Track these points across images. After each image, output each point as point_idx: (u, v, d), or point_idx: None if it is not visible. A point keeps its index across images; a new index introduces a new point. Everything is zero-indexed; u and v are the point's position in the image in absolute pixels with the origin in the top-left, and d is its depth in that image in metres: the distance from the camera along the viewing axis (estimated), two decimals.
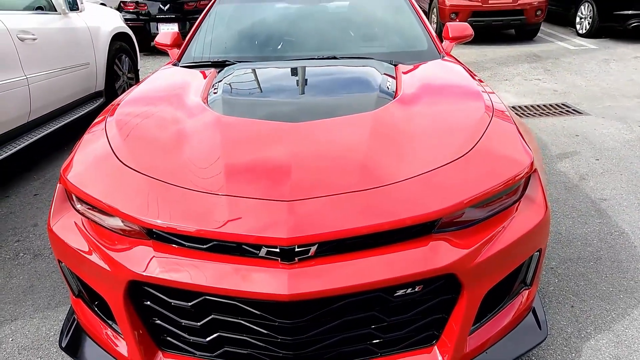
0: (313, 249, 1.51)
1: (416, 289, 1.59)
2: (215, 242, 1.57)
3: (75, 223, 1.81)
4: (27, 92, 3.87)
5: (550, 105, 5.38)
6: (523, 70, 6.95)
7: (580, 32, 8.90)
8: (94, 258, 1.68)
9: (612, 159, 3.90)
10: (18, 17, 3.93)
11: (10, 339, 2.21)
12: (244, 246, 1.55)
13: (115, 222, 1.71)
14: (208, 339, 1.66)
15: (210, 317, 1.62)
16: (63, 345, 1.91)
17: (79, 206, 1.82)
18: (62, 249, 1.80)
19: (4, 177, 3.97)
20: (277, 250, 1.50)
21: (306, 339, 1.58)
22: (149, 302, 1.67)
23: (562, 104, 5.39)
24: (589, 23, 8.62)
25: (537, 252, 1.80)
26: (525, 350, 1.81)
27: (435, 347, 1.69)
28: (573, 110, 5.18)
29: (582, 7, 8.78)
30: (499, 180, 1.69)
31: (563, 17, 9.70)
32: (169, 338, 1.72)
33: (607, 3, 8.19)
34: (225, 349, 1.67)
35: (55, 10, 4.52)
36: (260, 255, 1.53)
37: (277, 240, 1.49)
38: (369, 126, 1.93)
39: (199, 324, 1.64)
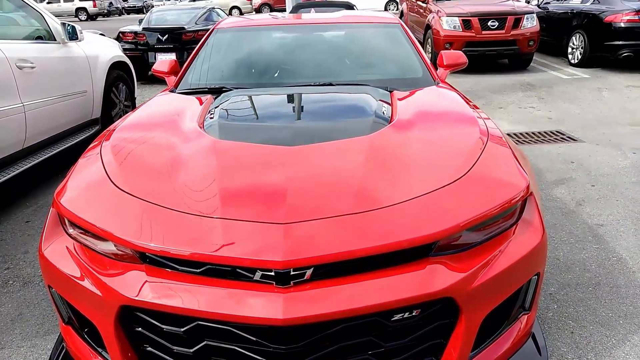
0: (309, 272, 1.49)
1: (413, 313, 1.56)
2: (209, 266, 1.54)
3: (67, 248, 1.78)
4: (23, 119, 3.88)
5: (545, 132, 5.42)
6: (517, 99, 7.03)
7: (572, 61, 9.06)
8: (85, 283, 1.65)
9: (607, 185, 3.91)
10: (18, 47, 3.97)
11: None
12: (238, 270, 1.52)
13: (108, 247, 1.68)
14: None
15: (203, 344, 1.58)
16: None
17: (71, 230, 1.80)
18: (53, 274, 1.76)
19: None
20: (272, 273, 1.48)
21: None
22: (140, 329, 1.63)
23: (557, 132, 5.43)
24: (580, 53, 8.78)
25: (535, 275, 1.77)
26: None
27: None
28: (568, 137, 5.22)
29: (574, 37, 8.96)
30: (495, 204, 1.68)
31: (555, 47, 9.89)
32: None
33: (598, 34, 8.36)
34: None
35: (55, 40, 4.58)
36: (255, 279, 1.51)
37: (272, 263, 1.46)
38: (364, 150, 1.93)
39: (191, 350, 1.60)
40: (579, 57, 8.82)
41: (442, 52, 3.50)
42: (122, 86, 5.72)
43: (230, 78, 3.13)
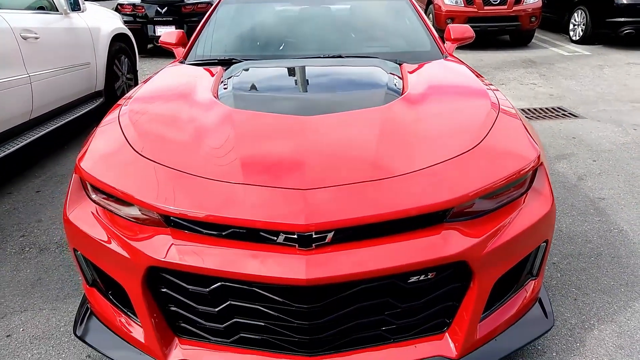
0: (330, 235, 1.55)
1: (429, 276, 1.63)
2: (233, 229, 1.60)
3: (92, 212, 1.83)
4: (29, 91, 3.88)
5: (546, 108, 5.46)
6: (519, 75, 7.05)
7: (573, 38, 9.04)
8: (112, 246, 1.70)
9: (608, 160, 3.98)
10: (21, 16, 3.95)
11: (21, 329, 2.21)
12: (261, 233, 1.58)
13: (132, 211, 1.73)
14: (224, 325, 1.69)
15: (227, 303, 1.65)
16: (78, 333, 1.93)
17: (94, 196, 1.85)
18: (79, 238, 1.82)
19: (6, 174, 3.97)
20: (295, 236, 1.54)
21: (322, 324, 1.61)
22: (166, 289, 1.70)
23: (558, 108, 5.47)
24: (582, 30, 8.76)
25: (543, 242, 1.84)
26: (533, 338, 1.85)
27: (447, 333, 1.73)
28: (569, 113, 5.27)
29: (576, 14, 8.92)
30: (507, 173, 1.74)
31: (557, 24, 9.85)
32: (185, 325, 1.75)
33: (600, 10, 8.33)
34: (241, 334, 1.70)
35: (57, 10, 4.54)
36: (277, 241, 1.57)
37: (295, 226, 1.52)
38: (379, 120, 1.97)
39: (215, 309, 1.67)
40: (581, 34, 8.79)
41: (450, 25, 3.51)
42: (124, 59, 5.69)
43: (239, 50, 3.14)
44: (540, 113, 5.30)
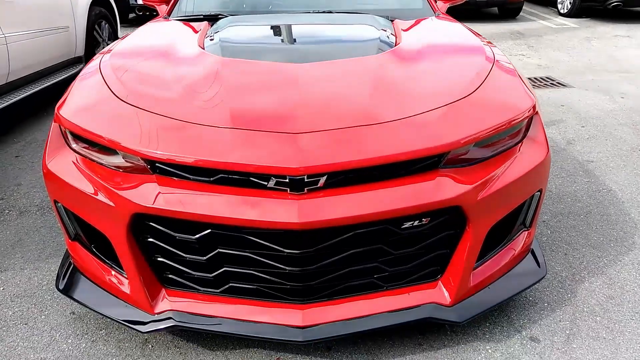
0: (322, 180, 1.50)
1: (423, 222, 1.59)
2: (222, 175, 1.54)
3: (73, 162, 1.75)
4: (5, 52, 3.73)
5: (535, 78, 5.44)
6: (507, 47, 7.00)
7: (561, 11, 9.01)
8: (95, 194, 1.63)
9: (597, 127, 3.98)
10: None
11: (1, 288, 2.14)
12: (252, 178, 1.52)
13: (115, 160, 1.66)
14: (213, 274, 1.64)
15: (216, 252, 1.60)
16: (60, 287, 1.87)
17: (74, 145, 1.77)
18: (59, 188, 1.74)
19: None
20: (287, 180, 1.49)
21: (314, 270, 1.57)
22: (152, 239, 1.64)
23: (547, 77, 5.46)
24: (570, 2, 8.73)
25: (538, 192, 1.82)
26: (526, 286, 1.84)
27: (440, 281, 1.71)
28: (557, 83, 5.25)
29: None
30: (502, 120, 1.70)
31: None
32: (172, 276, 1.70)
33: None
34: (231, 284, 1.66)
35: None
36: (268, 186, 1.51)
37: (287, 170, 1.47)
38: (371, 68, 1.91)
39: (204, 258, 1.62)
40: (569, 6, 8.76)
41: None
42: (104, 24, 5.51)
43: (226, 6, 3.03)
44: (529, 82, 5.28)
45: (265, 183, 1.51)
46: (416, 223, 1.59)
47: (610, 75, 5.49)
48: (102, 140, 1.63)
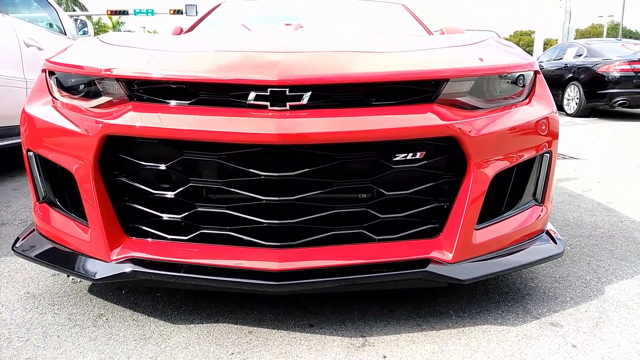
0: (306, 96, 1.38)
1: (418, 156, 1.43)
2: (200, 95, 1.44)
3: (52, 105, 1.67)
4: (25, 95, 3.89)
5: None
6: None
7: (568, 112, 9.25)
8: (66, 123, 1.54)
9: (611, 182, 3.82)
10: (28, 26, 4.08)
11: None
12: (231, 95, 1.41)
13: (94, 102, 1.58)
14: (183, 214, 1.46)
15: (188, 185, 1.44)
16: (16, 246, 1.68)
17: (57, 94, 1.70)
18: (33, 129, 1.65)
19: None
20: (267, 93, 1.37)
21: (293, 203, 1.39)
22: (120, 177, 1.50)
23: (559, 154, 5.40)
24: (576, 103, 8.99)
25: (546, 153, 1.66)
26: (541, 258, 1.60)
27: (440, 238, 1.49)
28: (569, 157, 5.19)
29: (569, 89, 9.22)
30: (501, 64, 1.61)
31: None
32: (138, 225, 1.52)
33: (592, 84, 8.61)
34: (202, 231, 1.46)
35: (65, 34, 4.70)
36: (248, 103, 1.39)
37: (266, 81, 1.37)
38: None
39: (174, 193, 1.45)
40: (575, 107, 9.01)
41: None
42: None
43: None
44: None
45: (245, 101, 1.40)
46: (410, 156, 1.42)
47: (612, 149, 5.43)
48: (82, 70, 1.58)
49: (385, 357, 1.36)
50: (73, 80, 1.63)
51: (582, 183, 3.76)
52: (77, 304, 1.68)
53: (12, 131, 3.81)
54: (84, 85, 1.61)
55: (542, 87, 1.74)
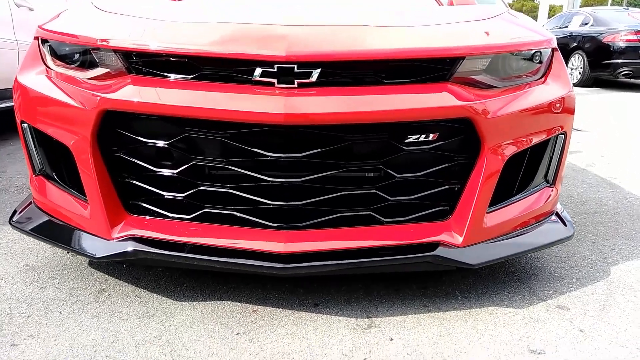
0: (315, 73, 1.32)
1: (430, 138, 1.38)
2: (203, 70, 1.36)
3: (46, 76, 1.60)
4: (16, 58, 3.77)
5: None
6: None
7: (572, 82, 9.13)
8: (63, 97, 1.46)
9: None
10: None
11: None
12: (235, 71, 1.34)
13: (90, 73, 1.50)
14: (186, 193, 1.42)
15: (190, 164, 1.39)
16: (14, 219, 1.64)
17: (50, 63, 1.62)
18: (27, 100, 1.58)
19: None
20: (274, 70, 1.30)
21: (301, 185, 1.34)
22: (119, 153, 1.44)
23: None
24: (580, 72, 8.86)
25: (561, 134, 1.61)
26: (551, 241, 1.58)
27: (450, 221, 1.46)
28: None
29: (573, 58, 9.06)
30: (517, 41, 1.54)
31: None
32: (139, 202, 1.48)
33: (597, 54, 8.46)
34: (205, 210, 1.42)
35: None
36: (254, 79, 1.33)
37: (274, 57, 1.29)
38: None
39: (176, 171, 1.40)
40: (579, 76, 8.89)
41: None
42: None
43: None
44: None
45: (250, 77, 1.33)
46: (422, 138, 1.37)
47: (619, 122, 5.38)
48: (76, 40, 1.49)
49: (392, 339, 1.35)
50: (67, 49, 1.55)
51: (585, 156, 3.73)
52: (78, 277, 1.66)
53: (4, 94, 3.71)
54: (79, 55, 1.53)
55: (559, 64, 1.67)
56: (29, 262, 1.78)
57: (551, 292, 1.62)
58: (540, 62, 1.61)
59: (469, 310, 1.50)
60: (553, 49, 1.66)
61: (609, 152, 3.87)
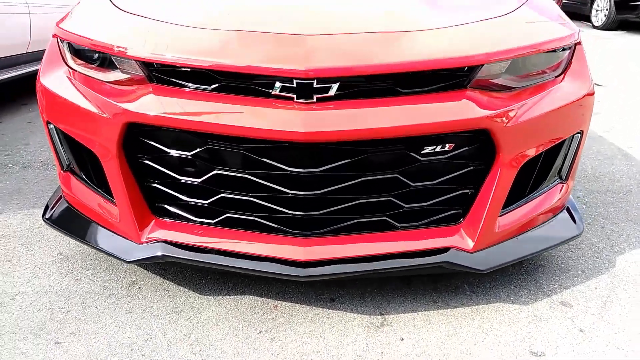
0: (334, 87, 1.33)
1: (446, 148, 1.41)
2: (223, 82, 1.39)
3: (67, 77, 1.63)
4: (28, 22, 3.73)
5: None
6: None
7: (595, 24, 8.76)
8: (87, 105, 1.50)
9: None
10: None
11: None
12: (255, 84, 1.37)
13: (112, 76, 1.53)
14: (209, 200, 1.48)
15: (213, 173, 1.45)
16: (47, 216, 1.74)
17: (71, 62, 1.65)
18: (52, 105, 1.62)
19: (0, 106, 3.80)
20: (293, 85, 1.32)
21: (319, 197, 1.40)
22: (144, 160, 1.50)
23: None
24: (605, 15, 8.48)
25: (578, 133, 1.62)
26: (559, 242, 1.63)
27: (462, 225, 1.51)
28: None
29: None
30: (539, 41, 1.51)
31: (578, 14, 9.56)
32: (165, 205, 1.55)
33: None
34: (228, 215, 1.49)
35: None
36: (273, 93, 1.35)
37: (293, 72, 1.31)
38: None
39: (199, 180, 1.46)
40: (604, 19, 8.51)
41: None
42: None
43: None
44: None
45: (270, 90, 1.35)
46: (439, 149, 1.40)
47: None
48: (98, 46, 1.51)
49: (402, 339, 1.45)
50: (87, 49, 1.57)
51: (603, 120, 3.68)
52: (109, 269, 1.77)
53: (18, 60, 3.72)
54: (98, 54, 1.56)
55: (580, 60, 1.65)
56: (62, 250, 1.89)
57: (556, 286, 1.70)
58: (562, 58, 1.59)
59: (476, 307, 1.59)
60: (576, 44, 1.63)
61: (628, 113, 3.81)
